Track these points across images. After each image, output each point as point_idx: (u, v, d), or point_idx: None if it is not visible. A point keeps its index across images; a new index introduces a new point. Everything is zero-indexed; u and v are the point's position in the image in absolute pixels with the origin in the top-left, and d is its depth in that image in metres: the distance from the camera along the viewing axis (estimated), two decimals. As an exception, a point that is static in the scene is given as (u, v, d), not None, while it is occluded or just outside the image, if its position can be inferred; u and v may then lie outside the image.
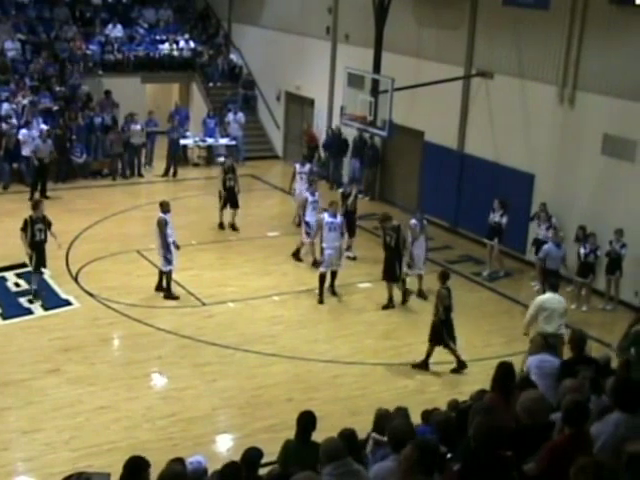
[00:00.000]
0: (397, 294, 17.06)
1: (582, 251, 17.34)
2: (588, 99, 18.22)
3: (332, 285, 17.39)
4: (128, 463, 7.21)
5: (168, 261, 16.63)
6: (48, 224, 16.54)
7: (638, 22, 17.08)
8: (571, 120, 18.68)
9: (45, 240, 16.42)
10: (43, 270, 16.82)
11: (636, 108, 17.13)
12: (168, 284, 16.81)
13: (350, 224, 19.02)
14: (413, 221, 17.46)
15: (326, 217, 17.25)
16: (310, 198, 19.00)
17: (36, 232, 16.21)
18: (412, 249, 17.20)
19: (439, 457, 5.81)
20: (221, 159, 27.80)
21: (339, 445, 6.63)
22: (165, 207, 16.67)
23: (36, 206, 16.64)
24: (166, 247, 16.54)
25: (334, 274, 17.35)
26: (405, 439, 6.10)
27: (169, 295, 16.75)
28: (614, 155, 17.75)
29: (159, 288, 16.91)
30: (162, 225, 16.47)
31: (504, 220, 18.74)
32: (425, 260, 17.64)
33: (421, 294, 17.38)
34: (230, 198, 21.01)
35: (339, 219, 17.45)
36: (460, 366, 14.38)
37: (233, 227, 21.13)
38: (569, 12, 18.33)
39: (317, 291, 17.12)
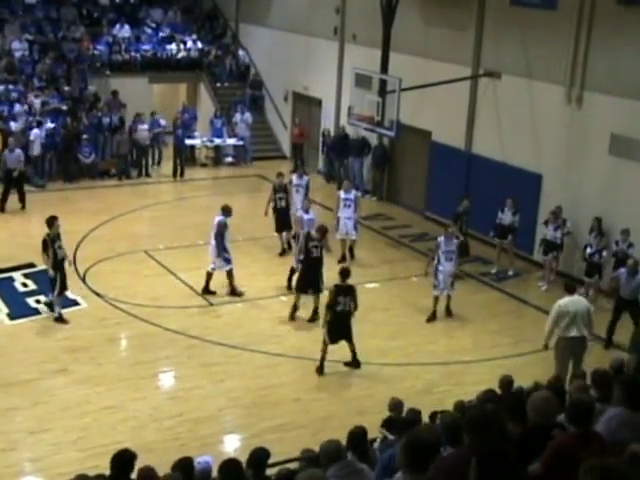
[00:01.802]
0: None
1: (588, 250, 17.32)
2: (595, 99, 18.18)
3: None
4: (116, 457, 7.30)
5: (227, 260, 16.86)
6: None
7: (646, 22, 17.07)
8: (578, 120, 18.64)
9: (65, 257, 15.77)
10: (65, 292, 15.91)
11: (644, 108, 17.11)
12: (230, 281, 17.05)
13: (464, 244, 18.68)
14: (440, 238, 16.65)
15: (304, 215, 17.28)
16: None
17: (57, 250, 15.36)
18: (437, 267, 16.43)
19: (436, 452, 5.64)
20: (229, 159, 28.02)
21: (339, 446, 6.62)
22: (226, 211, 16.86)
23: (52, 223, 15.48)
24: (223, 248, 16.73)
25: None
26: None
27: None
28: (621, 155, 17.71)
29: (207, 288, 17.13)
30: (222, 227, 16.69)
31: (517, 218, 18.77)
32: (452, 280, 16.60)
33: (448, 312, 16.76)
34: (283, 220, 19.48)
35: (312, 215, 17.53)
36: (354, 364, 14.36)
37: (288, 245, 19.69)
38: (577, 12, 18.28)
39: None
